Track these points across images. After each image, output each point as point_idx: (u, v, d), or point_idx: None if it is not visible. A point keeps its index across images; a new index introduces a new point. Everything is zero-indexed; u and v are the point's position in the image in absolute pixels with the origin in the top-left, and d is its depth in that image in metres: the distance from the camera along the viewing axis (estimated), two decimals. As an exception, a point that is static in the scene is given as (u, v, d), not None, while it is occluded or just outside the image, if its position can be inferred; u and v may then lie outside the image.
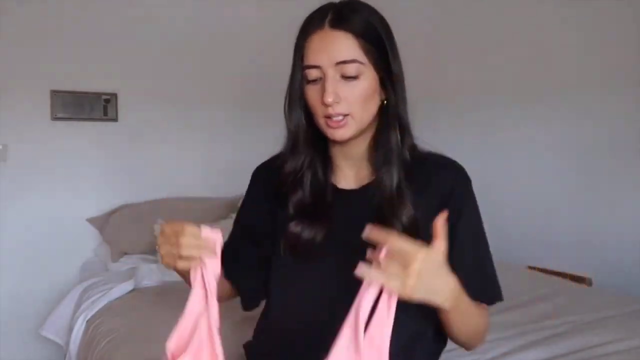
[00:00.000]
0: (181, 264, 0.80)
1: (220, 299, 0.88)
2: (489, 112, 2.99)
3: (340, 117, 0.84)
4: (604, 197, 2.40)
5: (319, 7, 0.88)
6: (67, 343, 1.98)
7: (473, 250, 0.90)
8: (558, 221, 2.58)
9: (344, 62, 0.82)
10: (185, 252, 0.78)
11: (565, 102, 2.56)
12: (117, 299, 1.97)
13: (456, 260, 0.81)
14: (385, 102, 0.89)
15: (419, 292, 0.69)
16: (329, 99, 0.82)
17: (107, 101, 2.62)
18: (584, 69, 2.48)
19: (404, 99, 0.89)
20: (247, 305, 1.01)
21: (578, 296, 1.90)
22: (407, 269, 0.68)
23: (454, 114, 3.23)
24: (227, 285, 0.99)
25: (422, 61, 3.11)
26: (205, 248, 0.78)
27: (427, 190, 0.90)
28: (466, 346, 0.92)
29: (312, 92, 0.85)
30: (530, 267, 2.48)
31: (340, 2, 0.87)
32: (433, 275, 0.70)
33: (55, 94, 2.50)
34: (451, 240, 0.88)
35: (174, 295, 2.00)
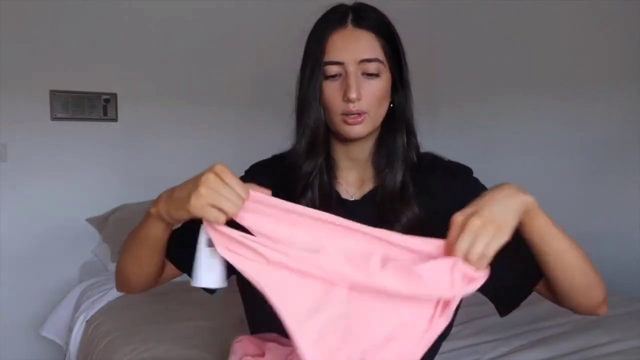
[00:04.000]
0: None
1: (159, 281, 0.91)
2: (489, 110, 2.99)
3: (358, 115, 0.85)
4: (605, 196, 2.40)
5: (332, 8, 0.88)
6: (67, 343, 1.98)
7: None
8: (558, 220, 2.57)
9: (368, 60, 0.84)
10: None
11: (566, 101, 2.56)
12: (117, 299, 1.97)
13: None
14: (392, 104, 0.90)
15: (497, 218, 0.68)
16: (353, 94, 0.82)
17: (106, 101, 2.61)
18: (584, 67, 2.48)
19: (411, 102, 0.91)
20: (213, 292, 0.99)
21: (578, 296, 1.90)
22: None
23: (454, 112, 3.23)
24: (174, 270, 0.95)
25: (422, 60, 3.11)
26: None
27: (433, 191, 0.90)
28: (580, 306, 0.84)
29: (330, 88, 0.85)
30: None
31: (354, 4, 0.89)
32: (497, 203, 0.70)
33: (54, 93, 2.50)
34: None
35: (174, 295, 2.01)
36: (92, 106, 2.59)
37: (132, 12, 2.64)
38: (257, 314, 0.96)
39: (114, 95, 2.63)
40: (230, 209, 0.70)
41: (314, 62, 0.85)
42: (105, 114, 2.61)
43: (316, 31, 0.87)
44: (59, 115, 2.52)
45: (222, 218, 0.71)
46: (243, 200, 0.72)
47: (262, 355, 0.79)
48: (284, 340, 0.82)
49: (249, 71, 2.87)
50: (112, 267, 2.37)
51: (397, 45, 0.88)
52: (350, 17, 0.85)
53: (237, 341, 0.85)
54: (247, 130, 2.87)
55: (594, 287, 0.81)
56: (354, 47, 0.83)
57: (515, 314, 1.68)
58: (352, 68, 0.83)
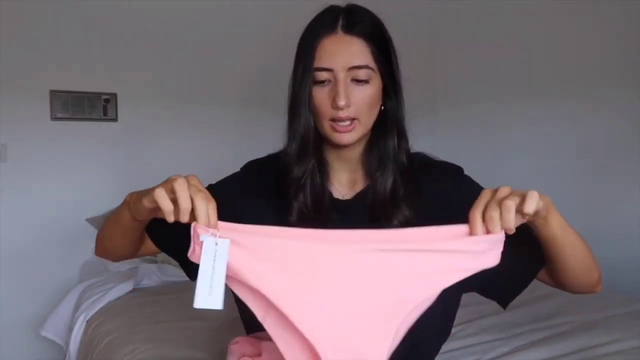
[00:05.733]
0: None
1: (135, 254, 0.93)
2: (489, 111, 2.99)
3: (348, 122, 0.85)
4: (606, 196, 2.40)
5: (323, 11, 0.88)
6: (67, 343, 1.98)
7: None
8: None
9: (357, 67, 0.83)
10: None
11: (566, 101, 2.56)
12: (117, 299, 1.97)
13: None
14: (382, 107, 0.90)
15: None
16: (342, 102, 0.82)
17: (106, 101, 2.61)
18: (584, 68, 2.48)
19: (403, 105, 0.91)
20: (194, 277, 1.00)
21: (578, 296, 1.89)
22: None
23: (454, 113, 3.23)
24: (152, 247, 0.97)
25: (422, 61, 3.11)
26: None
27: (425, 192, 0.90)
28: (581, 287, 0.88)
29: (319, 94, 0.85)
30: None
31: (347, 7, 0.88)
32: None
33: (54, 93, 2.50)
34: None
35: (173, 295, 2.01)
36: (92, 106, 2.59)
37: (132, 12, 2.64)
38: (250, 312, 0.97)
39: (114, 95, 2.63)
40: (185, 205, 0.68)
41: (304, 68, 0.85)
42: (105, 114, 2.61)
43: (307, 35, 0.87)
44: (59, 115, 2.52)
45: (171, 217, 0.69)
46: (208, 212, 0.69)
47: (260, 355, 0.79)
48: None
49: (249, 71, 2.87)
50: (112, 267, 2.37)
51: (389, 50, 0.87)
52: (340, 23, 0.85)
53: (233, 342, 0.85)
54: (247, 129, 2.87)
55: (593, 270, 0.86)
56: (344, 54, 0.83)
57: (515, 314, 1.69)
58: (341, 75, 0.83)
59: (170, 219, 0.70)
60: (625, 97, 2.31)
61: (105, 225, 0.93)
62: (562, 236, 0.77)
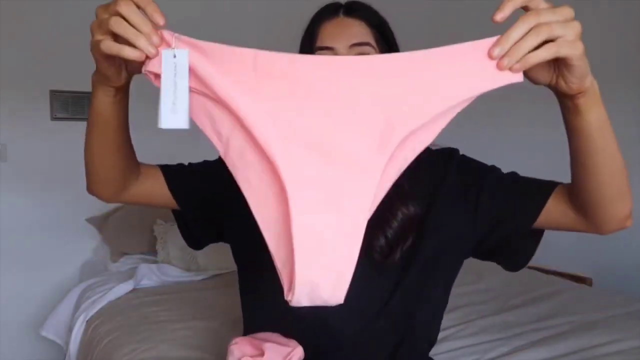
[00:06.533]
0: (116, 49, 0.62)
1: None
2: (490, 110, 2.99)
3: None
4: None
5: (325, 6, 0.89)
6: (67, 343, 1.98)
7: (513, 176, 0.96)
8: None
9: (359, 44, 0.84)
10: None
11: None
12: (117, 299, 1.97)
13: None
14: None
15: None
16: None
17: (106, 101, 2.61)
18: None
19: None
20: (196, 245, 1.02)
21: (578, 296, 1.90)
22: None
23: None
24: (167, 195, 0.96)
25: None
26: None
27: (425, 183, 0.90)
28: (611, 218, 0.79)
29: None
30: (530, 267, 2.48)
31: (348, 2, 0.90)
32: None
33: (54, 93, 2.50)
34: (494, 194, 0.92)
35: (173, 295, 2.01)
36: (92, 106, 2.59)
37: (132, 12, 2.64)
38: (252, 295, 0.98)
39: (114, 95, 2.63)
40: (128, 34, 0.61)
41: (306, 51, 0.86)
42: (105, 114, 2.61)
43: (308, 25, 0.89)
44: (59, 115, 2.52)
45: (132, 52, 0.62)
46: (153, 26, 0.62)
47: (262, 355, 0.79)
48: (282, 340, 0.82)
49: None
50: (112, 267, 2.37)
51: (390, 39, 0.88)
52: (341, 10, 0.87)
53: (233, 343, 0.85)
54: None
55: (628, 193, 0.79)
56: (346, 34, 0.84)
57: (515, 314, 1.69)
58: (343, 52, 0.84)
59: (141, 56, 0.63)
60: (625, 97, 2.31)
61: (85, 139, 0.88)
62: (597, 132, 0.72)
